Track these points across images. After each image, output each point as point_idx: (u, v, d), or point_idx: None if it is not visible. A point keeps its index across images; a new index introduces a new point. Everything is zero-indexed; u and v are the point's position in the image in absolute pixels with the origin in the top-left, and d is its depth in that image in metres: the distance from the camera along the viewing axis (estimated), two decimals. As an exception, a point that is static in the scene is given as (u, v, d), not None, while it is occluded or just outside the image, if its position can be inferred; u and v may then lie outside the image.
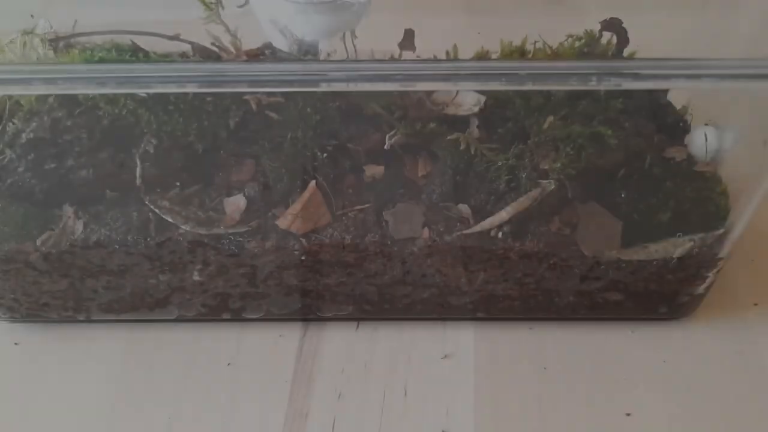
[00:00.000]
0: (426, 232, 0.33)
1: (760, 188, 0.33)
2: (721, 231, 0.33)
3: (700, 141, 0.36)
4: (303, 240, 0.33)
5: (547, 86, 0.32)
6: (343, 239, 0.33)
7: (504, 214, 0.33)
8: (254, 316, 0.37)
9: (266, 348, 0.37)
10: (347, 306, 0.36)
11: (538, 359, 0.36)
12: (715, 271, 0.34)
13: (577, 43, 0.38)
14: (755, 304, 0.39)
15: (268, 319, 0.38)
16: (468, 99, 0.37)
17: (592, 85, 0.29)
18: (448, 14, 0.49)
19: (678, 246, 0.33)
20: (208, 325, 0.38)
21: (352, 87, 0.30)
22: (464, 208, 0.35)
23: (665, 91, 0.39)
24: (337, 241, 0.33)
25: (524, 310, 0.36)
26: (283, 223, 0.33)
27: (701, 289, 0.35)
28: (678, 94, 0.39)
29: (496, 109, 0.36)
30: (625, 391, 0.35)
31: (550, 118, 0.34)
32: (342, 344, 0.37)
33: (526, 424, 0.34)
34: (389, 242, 0.33)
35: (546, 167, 0.34)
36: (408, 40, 0.39)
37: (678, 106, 0.39)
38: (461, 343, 0.37)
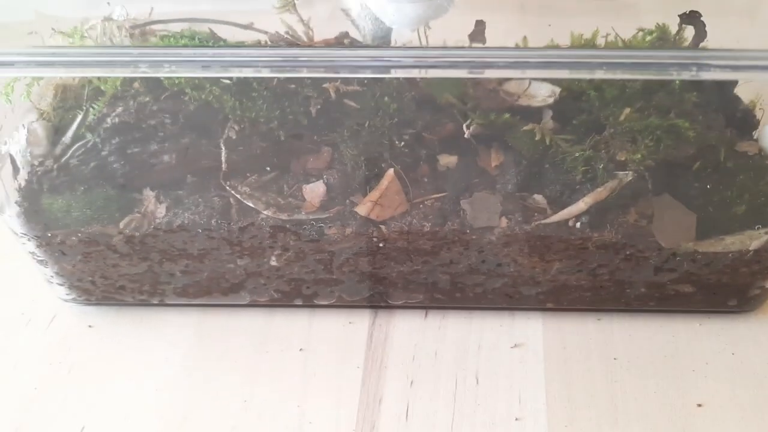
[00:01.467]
0: (504, 221, 0.34)
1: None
2: (797, 224, 0.34)
3: (772, 135, 0.36)
4: (382, 227, 0.33)
5: (625, 75, 0.32)
6: (422, 227, 0.33)
7: (582, 205, 0.34)
8: (325, 303, 0.37)
9: (337, 334, 0.37)
10: (418, 294, 0.37)
11: (608, 350, 0.37)
12: (789, 264, 0.35)
13: (648, 37, 0.38)
14: (822, 300, 0.39)
15: (338, 305, 0.38)
16: (542, 90, 0.37)
17: (672, 74, 0.30)
18: (503, 13, 0.49)
19: (754, 238, 0.33)
20: (278, 311, 0.38)
21: (423, 74, 0.31)
22: (540, 199, 0.35)
23: (733, 86, 0.39)
24: (417, 229, 0.33)
25: (593, 301, 0.37)
26: (362, 210, 0.34)
27: (773, 282, 0.35)
28: (744, 89, 0.40)
29: (570, 101, 0.36)
30: (696, 382, 0.35)
31: (627, 110, 0.35)
32: (412, 332, 0.38)
33: (598, 413, 0.34)
34: (468, 230, 0.33)
35: (624, 159, 0.34)
36: (479, 31, 0.40)
37: (745, 101, 0.39)
38: (530, 333, 0.37)
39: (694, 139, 0.34)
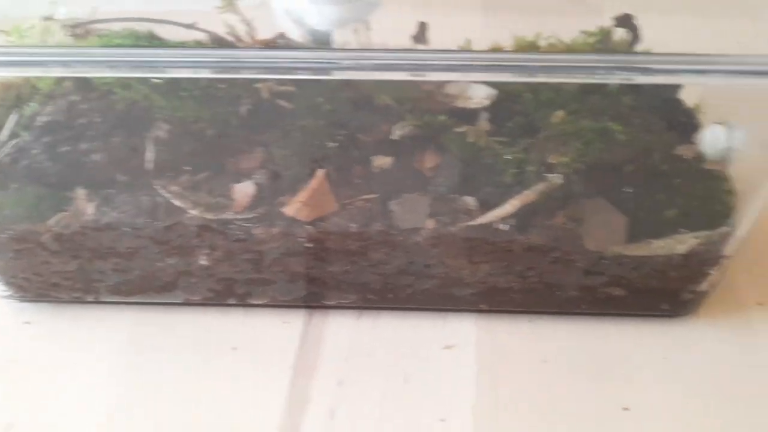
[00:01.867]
0: (431, 223, 0.34)
1: (765, 190, 0.33)
2: (727, 229, 0.34)
3: (710, 139, 0.36)
4: (309, 227, 0.33)
5: (556, 78, 0.32)
6: (349, 227, 0.33)
7: (509, 207, 0.34)
8: (259, 302, 0.37)
9: (270, 334, 0.37)
10: (351, 294, 0.37)
11: (538, 352, 0.37)
12: (718, 269, 0.34)
13: (590, 39, 0.38)
14: (759, 304, 0.39)
15: (273, 305, 0.38)
16: (479, 92, 0.37)
17: (601, 77, 0.29)
18: (465, 13, 0.49)
19: (682, 243, 0.33)
20: (213, 310, 0.38)
21: (363, 75, 0.31)
22: (471, 200, 0.35)
23: (676, 90, 0.39)
24: (343, 229, 0.33)
25: (526, 304, 0.37)
26: (289, 210, 0.34)
27: (704, 286, 0.35)
28: (690, 93, 0.39)
29: (507, 103, 0.36)
30: (624, 386, 0.35)
31: (560, 113, 0.35)
32: (345, 332, 0.38)
33: (525, 415, 0.34)
34: (394, 231, 0.33)
35: (554, 161, 0.34)
36: (421, 33, 0.40)
37: (690, 105, 0.39)
38: (462, 334, 0.37)
39: (626, 142, 0.34)
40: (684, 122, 0.38)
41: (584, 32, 0.38)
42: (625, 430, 0.33)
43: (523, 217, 0.34)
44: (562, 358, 0.36)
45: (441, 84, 0.37)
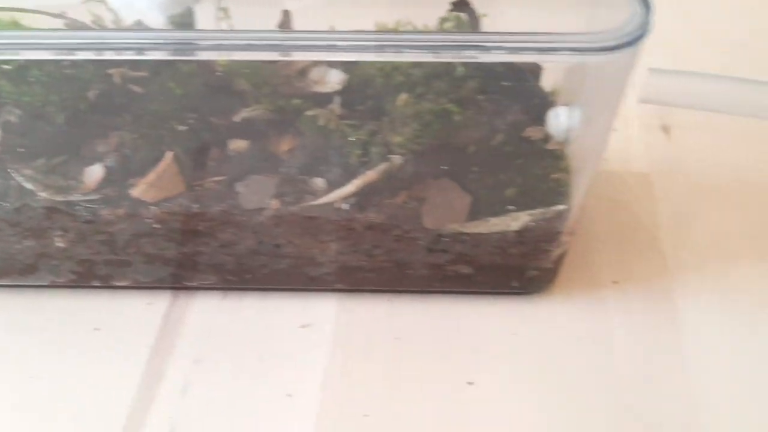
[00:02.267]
0: (275, 203, 0.35)
1: (592, 166, 0.34)
2: (562, 207, 0.35)
3: (553, 120, 0.37)
4: (153, 208, 0.34)
5: (411, 57, 0.32)
6: (191, 208, 0.34)
7: (351, 187, 0.35)
8: (123, 284, 0.38)
9: (133, 315, 0.38)
10: (210, 275, 0.37)
11: (393, 330, 0.38)
12: (557, 245, 0.35)
13: (446, 25, 0.39)
14: (614, 282, 0.40)
15: (138, 287, 0.39)
16: (333, 77, 0.38)
17: (438, 55, 0.30)
18: (371, 6, 0.50)
19: (516, 220, 0.34)
20: (80, 292, 0.39)
21: (224, 55, 0.32)
22: (320, 182, 0.36)
23: (538, 74, 0.40)
24: (186, 210, 0.34)
25: (382, 283, 0.38)
26: (136, 191, 0.34)
27: (548, 263, 0.36)
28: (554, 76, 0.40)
29: (360, 87, 0.37)
30: (472, 361, 0.36)
31: (404, 96, 0.36)
32: (207, 312, 0.38)
33: (372, 390, 0.35)
34: (236, 212, 0.34)
35: (395, 142, 0.35)
36: (286, 21, 0.41)
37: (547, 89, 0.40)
38: (321, 314, 0.38)
39: (467, 123, 0.35)
40: (539, 105, 0.39)
41: (442, 18, 0.39)
42: (467, 403, 0.35)
43: (365, 197, 0.34)
44: (414, 336, 0.37)
45: (298, 69, 0.38)
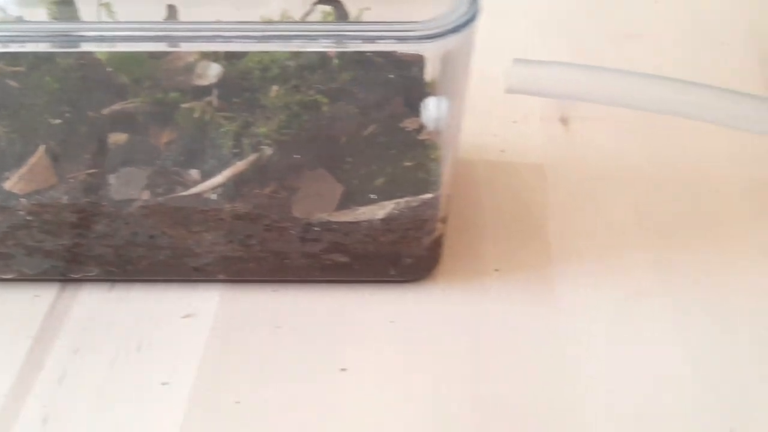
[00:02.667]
0: (146, 194, 0.35)
1: (452, 155, 0.35)
2: (429, 195, 0.35)
3: (426, 111, 0.38)
4: (23, 200, 0.35)
5: (279, 47, 0.34)
6: (60, 199, 0.34)
7: (220, 178, 0.35)
8: (9, 277, 0.39)
9: (19, 307, 0.39)
10: (93, 267, 0.38)
11: (274, 319, 0.38)
12: (427, 233, 0.36)
13: (329, 18, 0.40)
14: (496, 270, 0.40)
15: (26, 279, 0.39)
16: (211, 70, 0.39)
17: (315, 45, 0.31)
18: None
19: (383, 208, 0.35)
20: (-32, 285, 0.40)
21: (108, 47, 0.33)
22: (195, 173, 0.37)
23: (421, 65, 0.41)
24: (56, 202, 0.35)
25: (263, 273, 0.38)
26: (8, 184, 0.35)
27: (421, 251, 0.37)
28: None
29: (238, 80, 0.38)
30: (347, 348, 0.36)
31: (275, 88, 0.36)
32: (93, 304, 0.39)
33: (246, 377, 0.35)
34: (106, 203, 0.35)
35: (264, 133, 0.36)
36: (172, 16, 0.41)
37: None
38: (205, 304, 0.39)
39: (337, 114, 0.36)
40: (417, 96, 0.40)
41: (323, 12, 0.40)
42: (337, 389, 0.35)
43: (233, 187, 0.35)
44: (294, 324, 0.38)
45: (183, 64, 0.39)
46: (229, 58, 0.38)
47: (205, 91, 0.37)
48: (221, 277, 0.39)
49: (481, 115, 0.46)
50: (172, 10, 0.40)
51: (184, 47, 0.35)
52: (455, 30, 0.27)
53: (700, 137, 0.48)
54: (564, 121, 0.49)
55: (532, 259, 0.41)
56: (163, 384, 0.35)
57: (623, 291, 0.39)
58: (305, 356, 0.36)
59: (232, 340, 0.37)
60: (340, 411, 0.34)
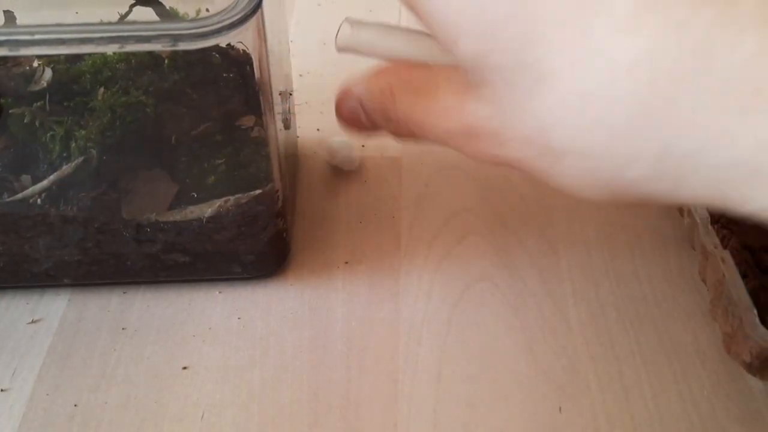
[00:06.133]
0: (-30, 202, 0.35)
1: (279, 150, 0.35)
2: (258, 192, 0.35)
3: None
4: None
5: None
6: None
7: (45, 182, 0.35)
8: None
9: None
10: (-67, 276, 0.38)
11: (121, 321, 0.38)
12: (262, 229, 0.36)
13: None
14: (346, 263, 0.41)
15: None
16: (47, 75, 0.39)
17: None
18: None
19: (211, 206, 0.35)
20: None
21: None
22: (26, 179, 0.37)
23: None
24: None
25: (108, 276, 0.38)
26: None
27: (261, 247, 0.37)
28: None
29: (70, 84, 0.38)
30: (191, 347, 0.37)
31: (101, 90, 0.36)
32: (-62, 314, 0.39)
33: (86, 380, 0.35)
34: (-74, 212, 0.35)
35: (91, 136, 0.36)
36: (10, 22, 0.41)
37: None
38: (53, 309, 0.39)
39: (165, 115, 0.36)
40: (252, 94, 0.40)
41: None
42: (177, 387, 0.35)
43: (59, 191, 0.35)
44: (141, 325, 0.38)
45: (21, 69, 0.38)
46: (65, 61, 0.38)
47: (37, 96, 0.38)
48: (67, 281, 0.38)
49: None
50: (9, 15, 0.40)
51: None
52: (232, 26, 0.27)
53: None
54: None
55: (382, 249, 0.41)
56: (3, 390, 0.35)
57: (461, 276, 0.40)
58: (148, 356, 0.36)
59: (76, 343, 0.37)
60: (174, 408, 0.34)
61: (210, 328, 0.38)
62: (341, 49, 0.34)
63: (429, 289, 0.39)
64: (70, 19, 0.37)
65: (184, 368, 0.36)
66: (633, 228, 0.43)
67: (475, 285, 0.39)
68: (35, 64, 0.38)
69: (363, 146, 0.47)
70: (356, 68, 0.29)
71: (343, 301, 0.39)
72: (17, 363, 0.36)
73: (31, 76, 0.38)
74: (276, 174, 0.35)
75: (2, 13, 0.40)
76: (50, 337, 0.38)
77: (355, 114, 0.28)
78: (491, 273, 0.40)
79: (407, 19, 0.25)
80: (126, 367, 0.36)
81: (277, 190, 0.36)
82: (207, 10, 0.41)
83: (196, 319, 0.38)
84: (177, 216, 0.35)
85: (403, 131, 0.28)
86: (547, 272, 0.40)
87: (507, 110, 0.23)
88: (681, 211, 0.43)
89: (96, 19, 0.37)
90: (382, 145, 0.47)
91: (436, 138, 0.26)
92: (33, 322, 0.38)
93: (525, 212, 0.44)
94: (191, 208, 0.35)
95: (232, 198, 0.35)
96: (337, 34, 0.33)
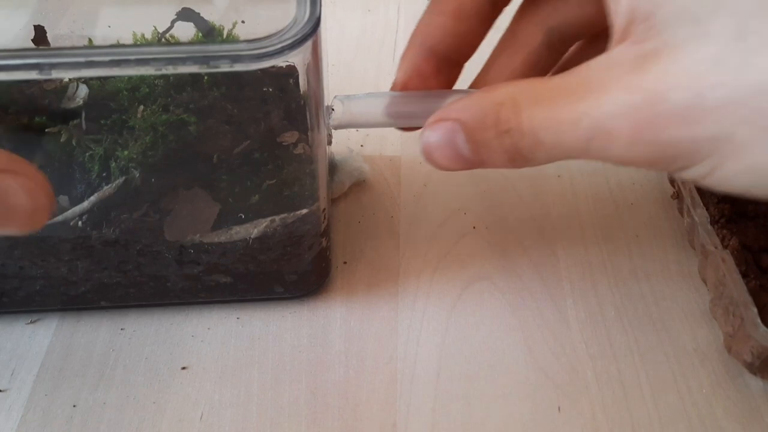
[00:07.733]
0: (10, 225, 0.34)
1: (322, 169, 0.34)
2: (304, 211, 0.35)
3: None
4: None
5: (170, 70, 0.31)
6: None
7: (86, 204, 0.34)
8: None
9: None
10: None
11: (119, 322, 0.37)
12: (307, 249, 0.35)
13: (200, 35, 0.39)
14: (344, 262, 0.40)
15: None
16: (81, 92, 0.37)
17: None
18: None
19: (257, 227, 0.34)
20: None
21: None
22: (64, 200, 0.35)
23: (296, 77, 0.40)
24: None
25: (146, 297, 0.37)
26: None
27: (304, 266, 0.36)
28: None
29: (107, 101, 0.37)
30: (187, 347, 0.36)
31: (141, 108, 0.35)
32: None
33: (83, 381, 0.35)
34: (-33, 236, 0.33)
35: (132, 156, 0.34)
36: (41, 36, 0.40)
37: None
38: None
39: (207, 133, 0.35)
40: (296, 110, 0.39)
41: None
42: (178, 386, 0.34)
43: (101, 213, 0.34)
44: (137, 326, 0.37)
45: (53, 86, 0.37)
46: (99, 77, 0.37)
47: (73, 113, 0.37)
48: (104, 304, 0.37)
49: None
50: (40, 31, 0.39)
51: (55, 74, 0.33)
52: (293, 46, 0.26)
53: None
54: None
55: (381, 249, 0.40)
56: (2, 391, 0.34)
57: (464, 277, 0.39)
58: (147, 357, 0.36)
59: (75, 344, 0.36)
60: (169, 408, 0.33)
61: (209, 328, 0.37)
62: (337, 128, 0.33)
63: (428, 289, 0.39)
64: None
65: (183, 368, 0.35)
66: (632, 227, 0.43)
67: (474, 284, 0.39)
68: (66, 79, 0.38)
69: (362, 146, 0.47)
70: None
71: (341, 300, 0.38)
72: (16, 364, 0.36)
73: (63, 93, 0.37)
74: (322, 192, 0.34)
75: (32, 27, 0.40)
76: (49, 337, 0.37)
77: (454, 148, 0.25)
78: (490, 272, 0.40)
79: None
80: (125, 368, 0.35)
81: (324, 209, 0.35)
82: (242, 22, 0.41)
83: (195, 319, 0.38)
84: (222, 237, 0.34)
85: (524, 149, 0.24)
86: (546, 272, 0.40)
87: (719, 66, 0.20)
88: (681, 211, 0.42)
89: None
90: (381, 145, 0.47)
91: (574, 141, 0.23)
92: (32, 322, 0.37)
93: (524, 212, 0.43)
94: (236, 228, 0.34)
95: (278, 218, 0.34)
96: (329, 116, 0.32)
